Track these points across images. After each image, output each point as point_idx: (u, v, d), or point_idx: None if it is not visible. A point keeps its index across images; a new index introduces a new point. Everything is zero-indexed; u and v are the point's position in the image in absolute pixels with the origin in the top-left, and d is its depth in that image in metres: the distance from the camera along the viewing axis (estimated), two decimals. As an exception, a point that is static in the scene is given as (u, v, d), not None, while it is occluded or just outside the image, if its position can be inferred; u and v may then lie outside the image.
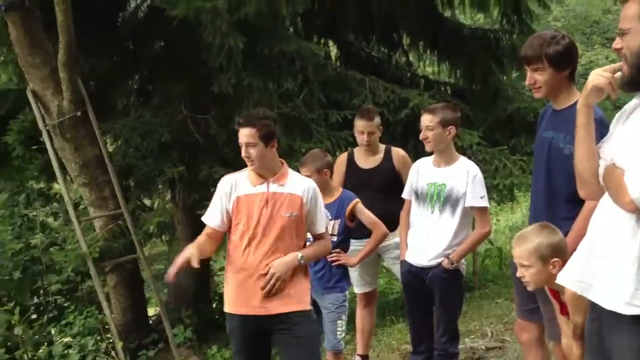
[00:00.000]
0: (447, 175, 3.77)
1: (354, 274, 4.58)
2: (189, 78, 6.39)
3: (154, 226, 6.03)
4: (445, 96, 7.34)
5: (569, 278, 2.18)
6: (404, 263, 3.95)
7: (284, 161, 3.40)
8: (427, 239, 3.80)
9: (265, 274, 3.17)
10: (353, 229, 4.20)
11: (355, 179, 4.55)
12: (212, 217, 3.29)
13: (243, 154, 3.20)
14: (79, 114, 5.94)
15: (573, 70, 2.95)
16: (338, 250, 4.05)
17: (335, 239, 4.05)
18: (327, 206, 3.98)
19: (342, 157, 4.74)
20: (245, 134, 3.19)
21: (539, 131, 3.13)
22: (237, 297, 3.23)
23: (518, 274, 2.67)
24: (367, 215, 4.15)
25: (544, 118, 3.12)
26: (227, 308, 3.31)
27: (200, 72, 6.04)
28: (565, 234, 2.69)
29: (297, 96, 6.22)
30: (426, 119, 3.76)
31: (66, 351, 6.08)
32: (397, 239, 4.37)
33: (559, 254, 2.54)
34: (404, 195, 4.07)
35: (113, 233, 6.07)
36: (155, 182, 6.18)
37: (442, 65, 8.03)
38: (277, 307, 3.19)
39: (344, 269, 4.16)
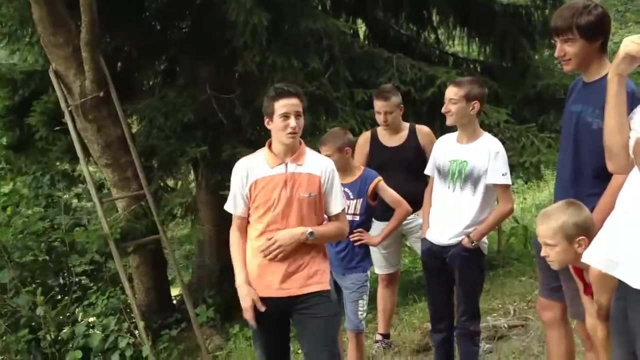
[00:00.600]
0: (470, 152, 3.68)
1: (376, 255, 4.55)
2: (214, 58, 6.38)
3: (177, 207, 6.03)
4: (474, 73, 7.23)
5: (594, 256, 2.11)
6: (424, 241, 3.89)
7: (301, 139, 3.31)
8: (447, 217, 3.73)
9: (293, 259, 3.15)
10: (375, 209, 4.12)
11: (380, 157, 4.49)
12: (236, 205, 3.23)
13: (292, 123, 3.06)
14: (101, 94, 5.97)
15: (605, 42, 2.83)
16: (360, 230, 3.98)
17: (357, 218, 4.00)
18: (348, 185, 3.93)
19: (365, 136, 4.67)
20: (293, 103, 3.09)
21: (567, 105, 3.02)
22: (257, 280, 3.18)
23: (542, 253, 2.59)
24: (389, 194, 4.06)
25: (574, 91, 3.02)
26: None
27: (224, 51, 6.02)
28: (591, 210, 2.60)
29: (322, 75, 6.15)
30: (451, 92, 3.67)
31: (89, 331, 6.15)
32: (421, 220, 4.28)
33: (585, 232, 2.45)
34: (427, 171, 3.99)
35: (135, 214, 6.10)
36: (178, 163, 6.18)
37: (471, 42, 7.86)
38: (296, 288, 3.17)
39: (366, 249, 4.09)
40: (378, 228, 4.24)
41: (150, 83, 7.40)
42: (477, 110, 3.67)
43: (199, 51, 6.47)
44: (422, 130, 4.59)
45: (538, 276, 3.32)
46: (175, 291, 7.99)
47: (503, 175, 3.62)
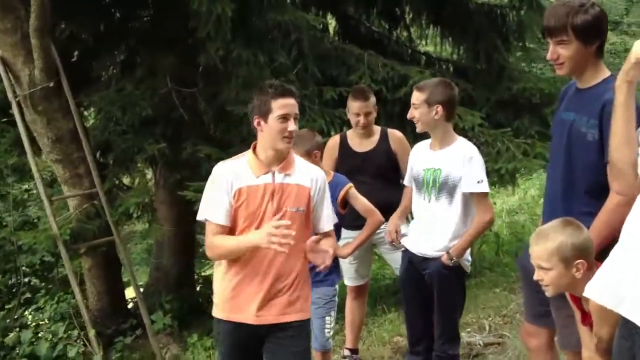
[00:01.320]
0: (443, 158, 3.45)
1: (346, 266, 4.31)
2: (176, 49, 6.05)
3: (133, 206, 5.67)
4: (447, 74, 7.02)
5: (597, 290, 1.86)
6: (404, 254, 3.64)
7: None
8: (425, 229, 3.50)
9: (275, 280, 2.82)
10: (345, 217, 3.86)
11: (349, 163, 4.25)
12: (214, 213, 2.83)
13: (291, 127, 2.75)
14: (51, 84, 5.56)
15: (602, 44, 2.59)
16: None
17: None
18: None
19: (334, 141, 4.41)
20: (293, 104, 2.79)
21: (558, 111, 2.80)
22: (230, 301, 2.86)
23: (536, 277, 2.35)
24: (360, 202, 3.84)
25: (565, 97, 2.79)
26: (219, 313, 2.93)
27: (187, 42, 5.70)
28: None
29: (290, 71, 5.85)
30: (414, 97, 3.47)
31: (36, 338, 5.78)
32: None
33: (584, 255, 2.22)
34: (405, 182, 3.79)
35: (87, 213, 5.73)
36: (135, 160, 5.82)
37: (445, 41, 7.70)
38: (274, 316, 2.86)
39: (334, 261, 3.80)
40: (348, 237, 4.02)
41: (108, 74, 6.99)
42: (442, 115, 3.42)
43: (160, 41, 6.13)
44: (395, 135, 4.36)
45: (524, 299, 3.09)
46: (131, 293, 7.64)
47: (479, 182, 3.38)
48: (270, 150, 2.83)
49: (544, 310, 2.82)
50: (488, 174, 3.57)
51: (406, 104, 5.88)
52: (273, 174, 2.83)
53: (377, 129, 4.35)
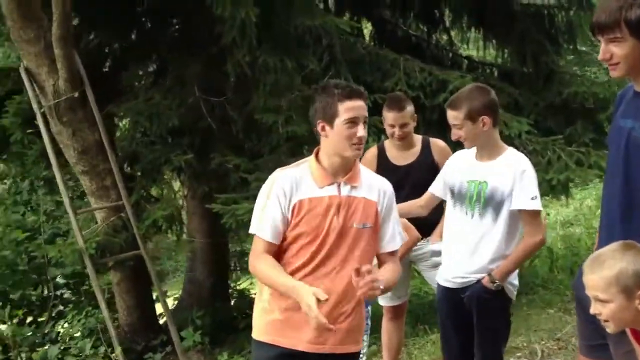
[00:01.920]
0: (490, 170, 3.10)
1: (382, 285, 4.02)
2: (204, 58, 5.89)
3: (160, 219, 5.49)
4: (491, 79, 6.73)
5: None
6: (438, 287, 3.32)
7: None
8: (465, 249, 3.16)
9: (337, 304, 2.50)
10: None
11: (389, 179, 3.93)
12: (263, 228, 2.54)
13: (360, 132, 2.48)
14: (76, 94, 5.44)
15: (662, 41, 2.26)
16: None
17: None
18: None
19: (372, 153, 4.07)
20: (362, 107, 2.53)
21: (615, 118, 2.44)
22: (282, 324, 2.55)
23: (592, 310, 2.02)
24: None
25: (622, 102, 2.44)
26: (261, 335, 2.62)
27: (214, 50, 5.52)
28: None
29: (321, 77, 5.53)
30: (451, 116, 3.11)
31: (62, 355, 5.64)
32: (432, 247, 3.82)
33: None
34: (431, 188, 3.40)
35: (114, 226, 5.57)
36: (162, 171, 5.65)
37: (488, 44, 7.37)
38: (334, 345, 2.54)
39: None
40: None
41: (141, 84, 6.88)
42: (490, 124, 3.09)
43: (188, 50, 5.97)
44: (437, 145, 4.01)
45: (577, 328, 2.73)
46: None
47: (532, 199, 3.02)
48: (336, 157, 2.55)
49: (600, 343, 2.47)
50: (538, 184, 3.22)
51: (445, 111, 5.68)
52: (339, 186, 2.56)
53: (418, 139, 4.01)
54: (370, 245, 2.61)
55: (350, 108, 2.48)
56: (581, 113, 6.29)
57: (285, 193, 2.52)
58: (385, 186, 2.68)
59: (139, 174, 5.93)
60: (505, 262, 3.06)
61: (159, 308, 7.20)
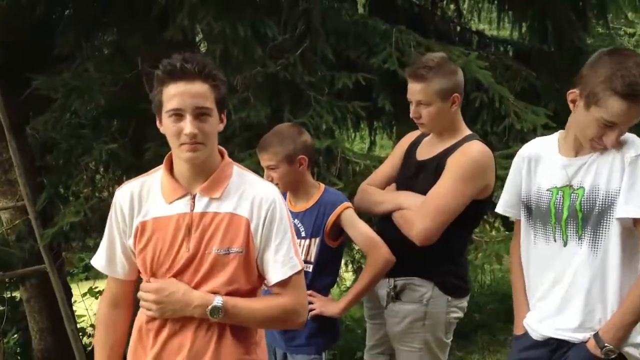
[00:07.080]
0: (588, 168, 2.32)
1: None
2: (144, 25, 5.17)
3: (66, 225, 4.72)
4: (505, 58, 6.11)
5: None
6: (520, 338, 2.50)
7: (224, 151, 2.25)
8: (555, 292, 2.37)
9: None
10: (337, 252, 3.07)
11: (400, 174, 3.17)
12: (111, 262, 2.25)
13: (188, 128, 2.07)
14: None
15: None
16: (310, 291, 2.85)
17: (309, 269, 2.97)
18: (299, 216, 2.99)
19: (409, 138, 3.25)
20: (192, 92, 2.09)
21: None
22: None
23: None
24: (359, 230, 2.95)
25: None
26: None
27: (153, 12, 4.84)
28: None
29: (293, 51, 5.04)
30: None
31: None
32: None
33: None
34: (498, 208, 2.64)
35: (19, 232, 4.89)
36: (79, 163, 4.96)
37: (503, 16, 6.86)
38: None
39: (322, 321, 2.97)
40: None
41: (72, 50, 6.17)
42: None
43: (127, 13, 5.27)
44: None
45: None
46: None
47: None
48: (181, 163, 2.15)
49: None
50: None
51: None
52: (193, 198, 2.13)
53: (463, 131, 3.08)
54: (247, 276, 2.15)
55: (174, 94, 2.04)
56: (614, 103, 5.68)
57: (124, 216, 2.16)
58: (265, 195, 2.16)
59: (53, 164, 5.16)
60: (617, 315, 2.22)
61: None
